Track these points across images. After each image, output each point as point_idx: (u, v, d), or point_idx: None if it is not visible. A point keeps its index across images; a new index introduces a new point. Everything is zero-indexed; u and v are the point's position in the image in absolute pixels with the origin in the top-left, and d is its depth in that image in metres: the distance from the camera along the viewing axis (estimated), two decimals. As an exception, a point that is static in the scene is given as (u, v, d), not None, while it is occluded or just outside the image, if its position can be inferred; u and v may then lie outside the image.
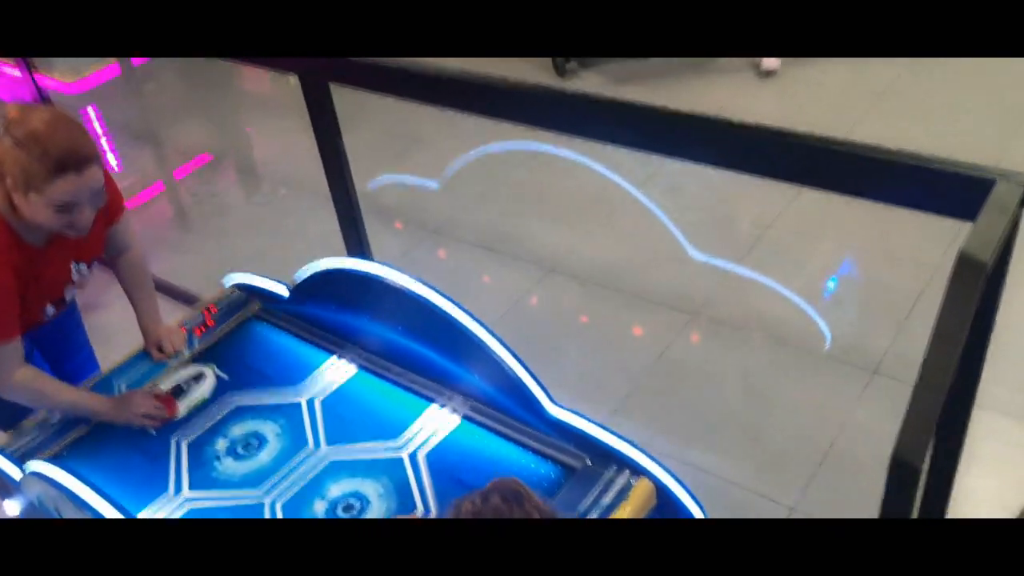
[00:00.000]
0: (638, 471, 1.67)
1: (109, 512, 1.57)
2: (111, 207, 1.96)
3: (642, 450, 1.69)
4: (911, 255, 3.05)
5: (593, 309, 3.13)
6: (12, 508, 1.92)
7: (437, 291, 1.87)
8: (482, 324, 1.84)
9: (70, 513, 1.69)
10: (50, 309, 1.99)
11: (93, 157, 1.72)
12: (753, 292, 3.07)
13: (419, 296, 1.87)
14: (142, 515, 1.72)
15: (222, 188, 4.31)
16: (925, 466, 1.01)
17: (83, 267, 2.01)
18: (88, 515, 1.58)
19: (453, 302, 1.86)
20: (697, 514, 1.67)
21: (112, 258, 2.12)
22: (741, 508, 2.36)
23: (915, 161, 1.25)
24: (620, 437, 1.70)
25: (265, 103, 4.92)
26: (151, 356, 2.14)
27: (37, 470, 1.73)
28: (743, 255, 3.22)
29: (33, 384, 1.90)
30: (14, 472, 1.84)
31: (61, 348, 2.23)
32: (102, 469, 1.85)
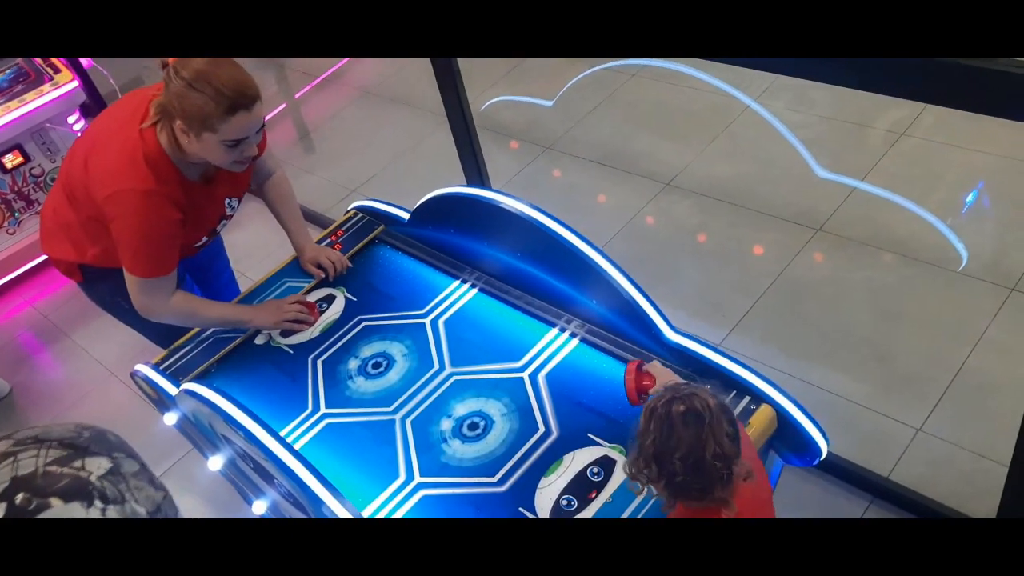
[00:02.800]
0: (758, 397, 1.67)
1: (257, 430, 1.69)
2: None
3: (762, 376, 1.68)
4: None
5: (711, 227, 3.08)
6: (170, 419, 2.11)
7: (551, 216, 1.88)
8: (598, 249, 1.85)
9: (221, 429, 1.83)
10: (203, 239, 2.12)
11: (258, 93, 1.80)
12: (882, 208, 2.94)
13: (534, 221, 1.89)
14: (284, 432, 1.86)
15: (341, 109, 4.40)
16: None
17: (235, 202, 2.12)
18: (239, 433, 1.72)
19: (567, 227, 1.87)
20: (818, 439, 1.67)
21: (259, 185, 2.22)
22: (865, 429, 2.32)
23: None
24: (740, 364, 1.70)
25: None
26: (309, 272, 2.22)
27: (190, 388, 1.88)
28: (871, 169, 3.06)
29: (185, 306, 2.05)
30: (170, 388, 2.01)
31: (207, 272, 2.38)
32: (247, 387, 2.00)
